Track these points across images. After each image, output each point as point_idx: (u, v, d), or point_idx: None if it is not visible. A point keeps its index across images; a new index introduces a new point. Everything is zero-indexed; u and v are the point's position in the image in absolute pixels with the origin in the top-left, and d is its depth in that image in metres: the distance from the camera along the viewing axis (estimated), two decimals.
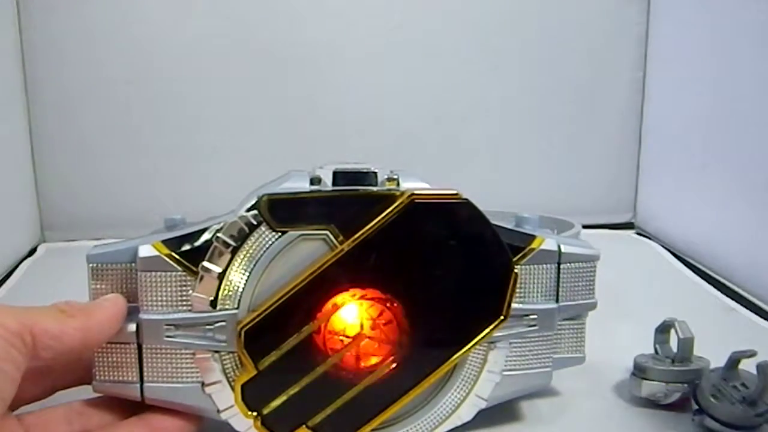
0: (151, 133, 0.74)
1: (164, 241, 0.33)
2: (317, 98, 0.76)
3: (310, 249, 0.33)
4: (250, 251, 0.33)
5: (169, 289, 0.33)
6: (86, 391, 0.35)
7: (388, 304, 0.35)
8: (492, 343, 0.36)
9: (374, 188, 0.34)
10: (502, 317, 0.35)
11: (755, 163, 0.61)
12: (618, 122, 0.81)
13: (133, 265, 0.33)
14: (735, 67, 0.64)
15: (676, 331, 0.40)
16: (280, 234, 0.33)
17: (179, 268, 0.33)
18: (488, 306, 0.35)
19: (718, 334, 0.46)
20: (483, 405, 0.36)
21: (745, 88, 0.62)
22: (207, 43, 0.73)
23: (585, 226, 0.51)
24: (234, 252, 0.33)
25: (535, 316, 0.36)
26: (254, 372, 0.33)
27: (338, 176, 0.34)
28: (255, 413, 0.33)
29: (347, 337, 0.34)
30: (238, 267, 0.33)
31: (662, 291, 0.63)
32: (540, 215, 0.40)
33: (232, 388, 0.33)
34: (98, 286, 0.34)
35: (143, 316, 0.33)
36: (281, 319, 0.33)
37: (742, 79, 0.62)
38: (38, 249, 0.72)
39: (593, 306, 0.39)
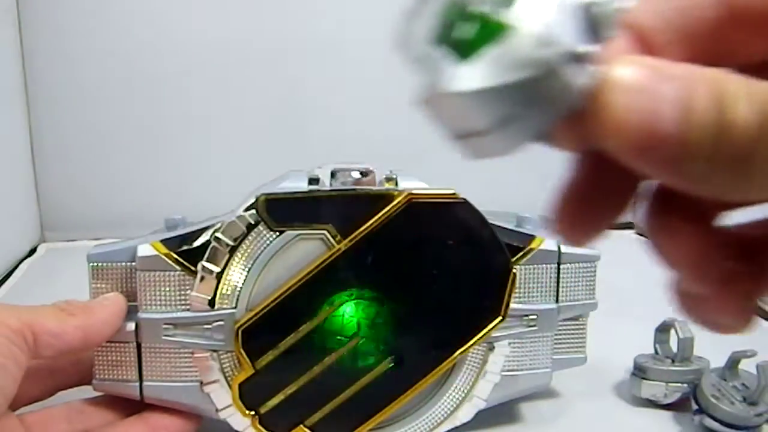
0: (151, 133, 0.74)
1: (163, 241, 0.33)
2: (317, 98, 0.75)
3: (307, 248, 0.33)
4: (249, 251, 0.33)
5: (168, 288, 0.33)
6: (87, 391, 0.35)
7: (385, 304, 0.35)
8: (491, 343, 0.35)
9: (372, 188, 0.34)
10: (500, 317, 0.35)
11: None
12: None
13: (133, 264, 0.33)
14: None
15: (676, 331, 0.40)
16: (277, 233, 0.33)
17: (178, 267, 0.33)
18: (486, 306, 0.35)
19: (718, 334, 0.45)
20: (482, 405, 0.36)
21: None
22: (207, 42, 0.73)
23: None
24: (232, 252, 0.33)
25: (534, 317, 0.36)
26: (252, 371, 0.33)
27: (337, 176, 0.34)
28: (253, 412, 0.33)
29: (345, 336, 0.34)
30: (236, 266, 0.33)
31: (662, 291, 0.62)
32: (540, 215, 0.40)
33: (230, 387, 0.33)
34: (98, 286, 0.34)
35: (142, 315, 0.33)
36: (279, 319, 0.33)
37: None
38: (38, 249, 0.72)
39: (593, 306, 0.39)
